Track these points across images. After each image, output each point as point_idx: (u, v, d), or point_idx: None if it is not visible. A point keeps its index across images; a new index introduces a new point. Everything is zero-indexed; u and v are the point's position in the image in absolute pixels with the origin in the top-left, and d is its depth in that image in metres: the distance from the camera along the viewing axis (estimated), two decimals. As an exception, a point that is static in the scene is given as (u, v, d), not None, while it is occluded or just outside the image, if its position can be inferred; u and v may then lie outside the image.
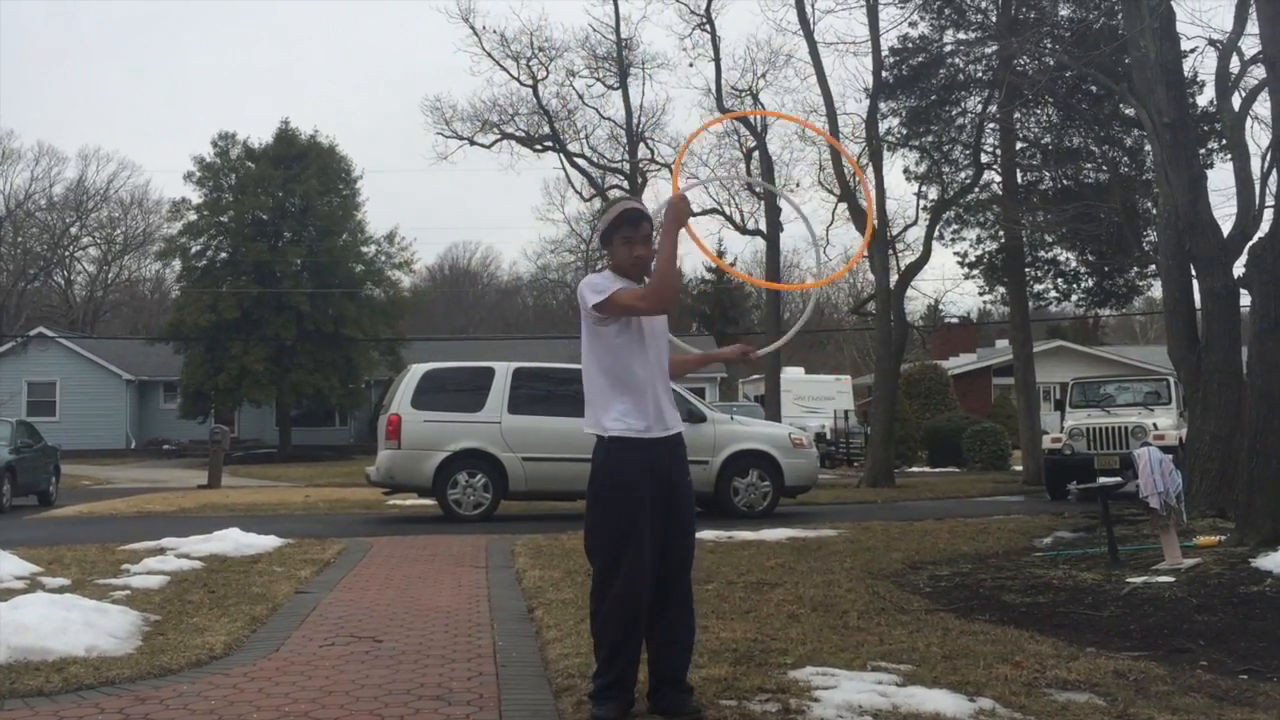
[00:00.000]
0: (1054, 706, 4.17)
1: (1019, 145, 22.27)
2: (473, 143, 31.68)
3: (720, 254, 55.12)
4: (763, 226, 27.62)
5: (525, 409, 13.39)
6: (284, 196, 37.45)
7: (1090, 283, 22.50)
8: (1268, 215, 11.73)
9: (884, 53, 21.58)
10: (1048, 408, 24.49)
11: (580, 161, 31.80)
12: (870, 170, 21.61)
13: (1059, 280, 22.78)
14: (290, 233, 37.96)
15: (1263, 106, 12.49)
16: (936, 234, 22.28)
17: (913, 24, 21.81)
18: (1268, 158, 12.61)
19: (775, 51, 45.08)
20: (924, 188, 22.87)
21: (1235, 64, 12.95)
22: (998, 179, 22.44)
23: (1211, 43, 13.59)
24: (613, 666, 3.99)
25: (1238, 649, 5.37)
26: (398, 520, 13.74)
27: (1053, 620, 6.14)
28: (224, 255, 37.64)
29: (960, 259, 23.02)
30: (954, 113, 22.25)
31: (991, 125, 21.65)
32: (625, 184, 31.42)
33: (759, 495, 13.62)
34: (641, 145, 31.33)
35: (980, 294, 31.16)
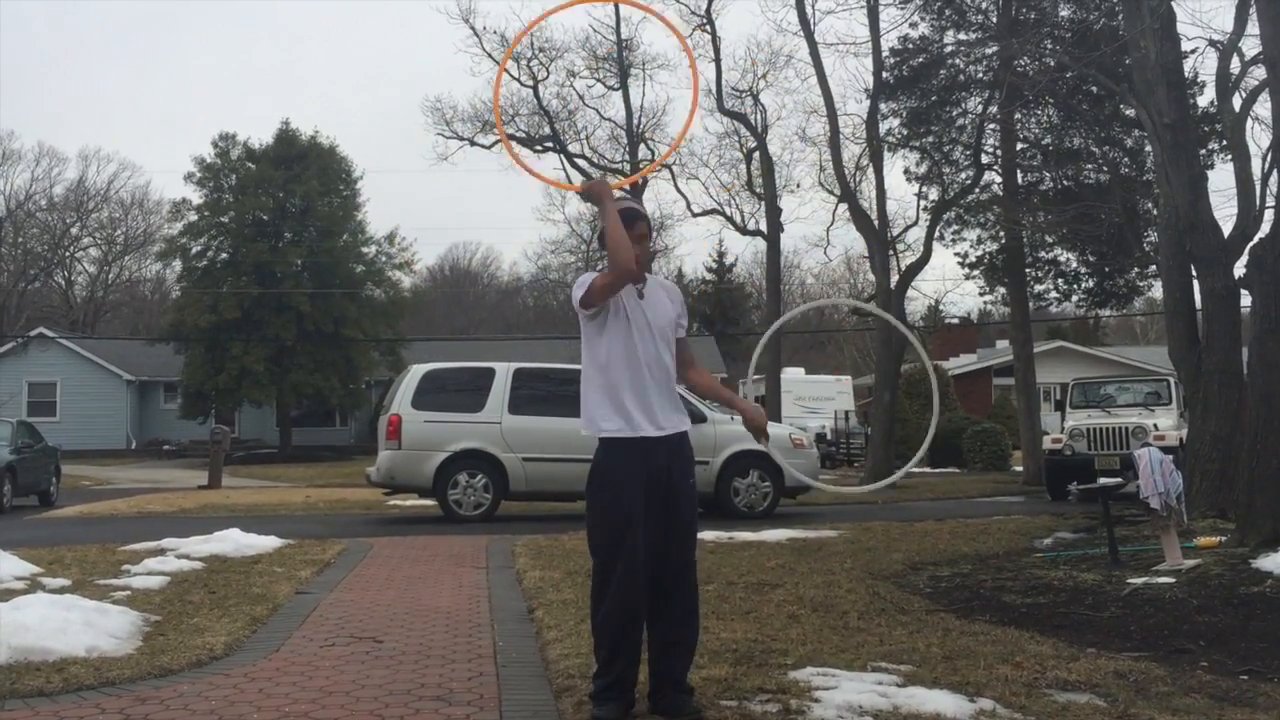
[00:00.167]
0: (1054, 707, 4.17)
1: (1019, 146, 22.27)
2: (473, 143, 31.66)
3: (721, 254, 55.34)
4: (763, 227, 27.63)
5: (526, 409, 13.40)
6: (284, 197, 37.44)
7: (1091, 283, 22.48)
8: (1268, 216, 11.75)
9: (884, 53, 21.60)
10: (1048, 408, 24.47)
11: (581, 162, 31.78)
12: (871, 170, 21.61)
13: (1059, 281, 22.76)
14: (291, 233, 37.96)
15: (1263, 107, 12.52)
16: (937, 234, 22.28)
17: (913, 25, 21.86)
18: (1268, 158, 12.62)
19: (775, 52, 44.88)
20: (924, 188, 22.87)
21: (1236, 65, 12.95)
22: (998, 180, 22.43)
23: (1212, 43, 13.59)
24: (613, 667, 4.00)
25: (1238, 650, 5.37)
26: (398, 521, 13.74)
27: (1053, 621, 6.15)
28: (224, 256, 37.63)
29: (961, 259, 23.05)
30: (954, 113, 22.25)
31: (992, 126, 21.66)
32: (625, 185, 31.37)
33: (759, 496, 13.63)
34: (642, 146, 31.34)
35: (980, 294, 31.15)
